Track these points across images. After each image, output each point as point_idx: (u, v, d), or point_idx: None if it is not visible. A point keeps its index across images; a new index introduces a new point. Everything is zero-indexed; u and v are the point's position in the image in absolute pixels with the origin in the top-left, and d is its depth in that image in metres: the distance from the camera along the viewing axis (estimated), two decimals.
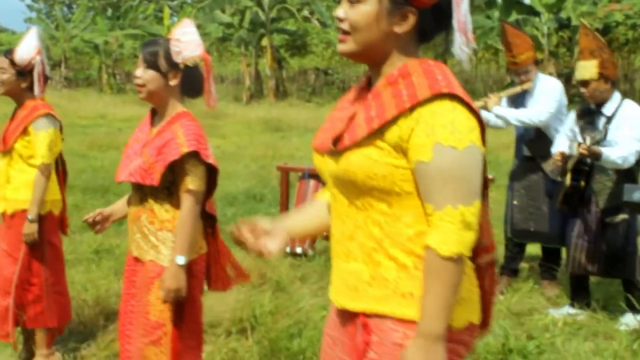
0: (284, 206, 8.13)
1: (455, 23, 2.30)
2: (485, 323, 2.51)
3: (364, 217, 2.34)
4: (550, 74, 26.54)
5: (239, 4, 36.16)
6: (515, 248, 7.04)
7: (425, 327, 2.21)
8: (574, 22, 27.15)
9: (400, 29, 2.30)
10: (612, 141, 5.78)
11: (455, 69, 38.23)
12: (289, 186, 8.17)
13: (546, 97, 6.67)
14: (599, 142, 5.71)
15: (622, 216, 5.85)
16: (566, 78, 27.97)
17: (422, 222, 2.28)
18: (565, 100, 6.84)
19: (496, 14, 27.71)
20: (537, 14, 26.58)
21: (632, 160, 5.75)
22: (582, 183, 5.96)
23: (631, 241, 5.97)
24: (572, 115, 6.25)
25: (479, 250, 2.36)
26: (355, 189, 2.33)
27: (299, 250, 7.66)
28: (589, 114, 6.09)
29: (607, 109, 5.96)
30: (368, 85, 2.47)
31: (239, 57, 41.79)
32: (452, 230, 2.19)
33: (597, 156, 5.66)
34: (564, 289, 6.63)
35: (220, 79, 46.46)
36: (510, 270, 7.03)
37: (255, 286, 6.52)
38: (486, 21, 27.54)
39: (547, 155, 6.55)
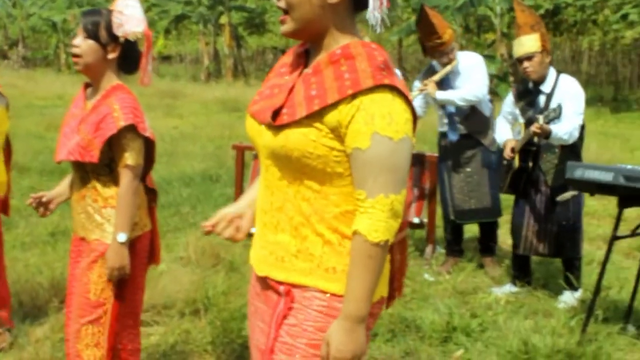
0: (239, 186, 8.14)
1: None
2: (392, 296, 2.63)
3: (294, 192, 2.43)
4: (502, 55, 26.80)
5: None
6: (456, 229, 7.20)
7: (351, 309, 2.32)
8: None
9: None
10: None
11: (410, 49, 38.23)
12: (244, 165, 8.17)
13: (476, 71, 6.80)
14: (551, 121, 5.82)
15: (572, 192, 5.94)
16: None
17: (349, 202, 2.38)
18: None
19: None
20: None
21: (576, 135, 5.89)
22: (530, 164, 6.11)
23: (578, 217, 6.16)
24: (510, 98, 6.37)
25: None
26: (289, 164, 2.40)
27: (253, 230, 7.66)
28: (528, 94, 6.20)
29: (546, 86, 6.08)
30: (306, 53, 2.53)
31: (197, 36, 41.51)
32: (382, 218, 2.29)
33: (548, 134, 5.78)
34: (507, 268, 6.84)
35: (179, 58, 46.14)
36: (456, 251, 7.22)
37: (209, 267, 6.64)
38: (441, 0, 27.52)
39: (482, 130, 6.75)
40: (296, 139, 2.35)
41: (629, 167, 4.96)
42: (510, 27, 30.14)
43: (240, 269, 6.60)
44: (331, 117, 2.32)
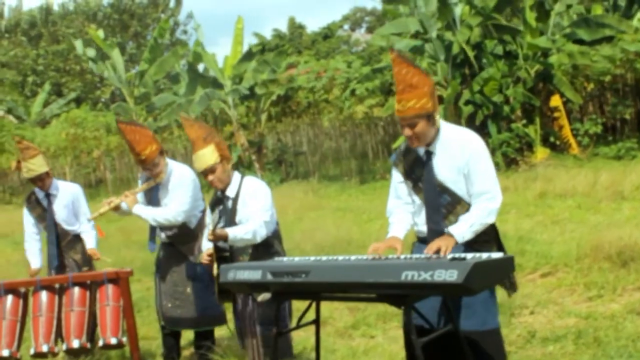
0: None
1: None
2: None
3: None
4: (242, 144, 27.09)
5: None
6: (170, 336, 7.02)
7: None
8: (258, 91, 27.71)
9: None
10: (243, 219, 5.83)
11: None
12: None
13: (180, 193, 6.73)
14: (225, 222, 5.74)
15: (265, 295, 5.70)
16: (258, 147, 28.58)
17: None
18: (198, 184, 6.88)
19: (182, 90, 27.71)
20: (221, 86, 26.79)
21: (263, 233, 5.79)
22: None
23: (282, 317, 5.87)
24: (208, 210, 6.24)
25: None
26: None
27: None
28: (218, 202, 6.07)
29: (230, 191, 5.98)
30: None
31: None
32: None
33: (224, 238, 5.66)
34: None
35: None
36: (172, 358, 7.03)
37: None
38: (173, 97, 27.48)
39: (186, 241, 6.65)
40: None
41: (285, 260, 4.87)
42: (247, 116, 30.64)
43: None
44: None
